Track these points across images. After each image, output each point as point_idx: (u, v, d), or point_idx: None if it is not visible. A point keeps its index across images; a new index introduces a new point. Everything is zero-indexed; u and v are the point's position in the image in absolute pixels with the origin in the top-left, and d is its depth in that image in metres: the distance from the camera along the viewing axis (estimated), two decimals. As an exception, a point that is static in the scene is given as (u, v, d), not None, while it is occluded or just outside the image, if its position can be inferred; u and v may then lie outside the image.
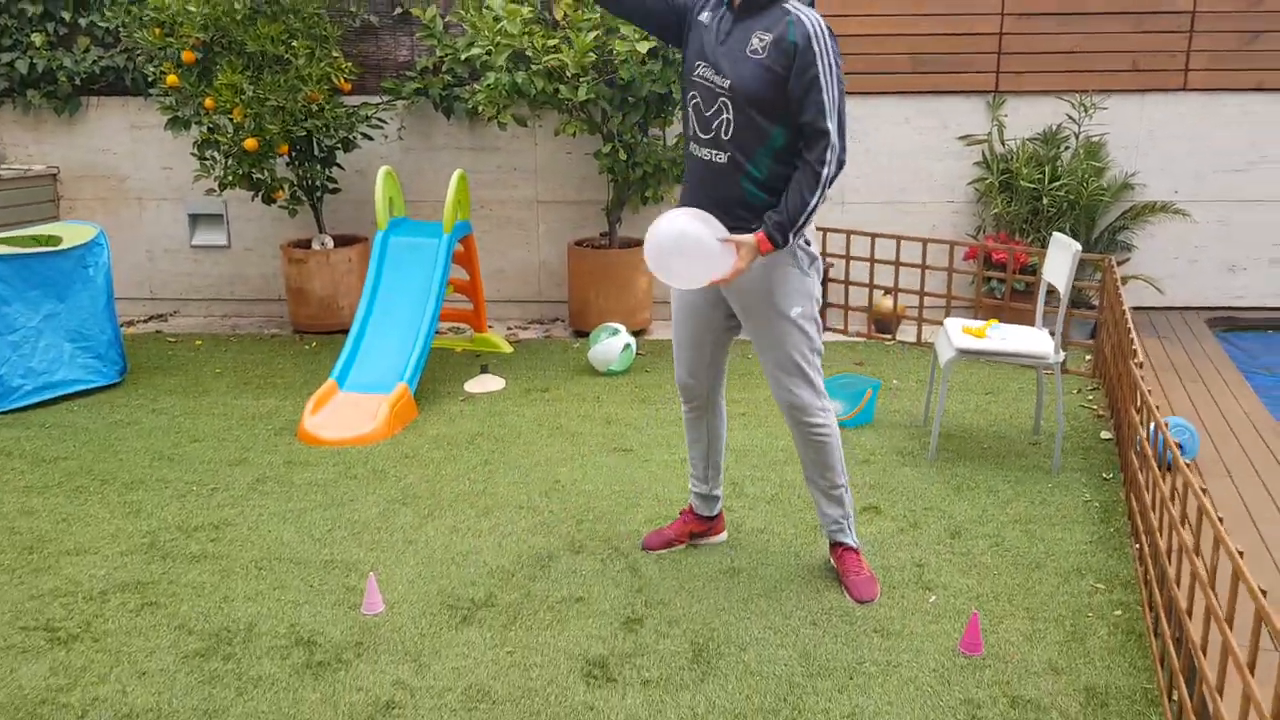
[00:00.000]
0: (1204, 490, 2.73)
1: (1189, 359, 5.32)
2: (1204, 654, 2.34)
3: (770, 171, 2.87)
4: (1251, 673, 2.01)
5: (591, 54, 4.92)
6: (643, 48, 5.00)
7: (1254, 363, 5.55)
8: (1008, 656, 2.85)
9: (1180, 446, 3.81)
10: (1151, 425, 3.14)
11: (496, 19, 4.95)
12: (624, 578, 3.27)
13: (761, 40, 2.79)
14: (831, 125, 2.78)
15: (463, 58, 5.15)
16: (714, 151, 2.89)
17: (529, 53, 5.02)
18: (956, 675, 2.77)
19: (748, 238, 2.83)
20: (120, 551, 3.45)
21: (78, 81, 6.33)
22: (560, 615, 3.05)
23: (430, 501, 3.84)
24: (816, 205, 2.82)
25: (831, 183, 2.84)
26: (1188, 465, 2.84)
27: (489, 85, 5.09)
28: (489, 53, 5.03)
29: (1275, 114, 5.94)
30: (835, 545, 3.27)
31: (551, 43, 5.04)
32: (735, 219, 2.89)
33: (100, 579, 3.27)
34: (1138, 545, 3.39)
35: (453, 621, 3.02)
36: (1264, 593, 1.94)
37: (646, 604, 3.11)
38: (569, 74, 5.00)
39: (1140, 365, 3.48)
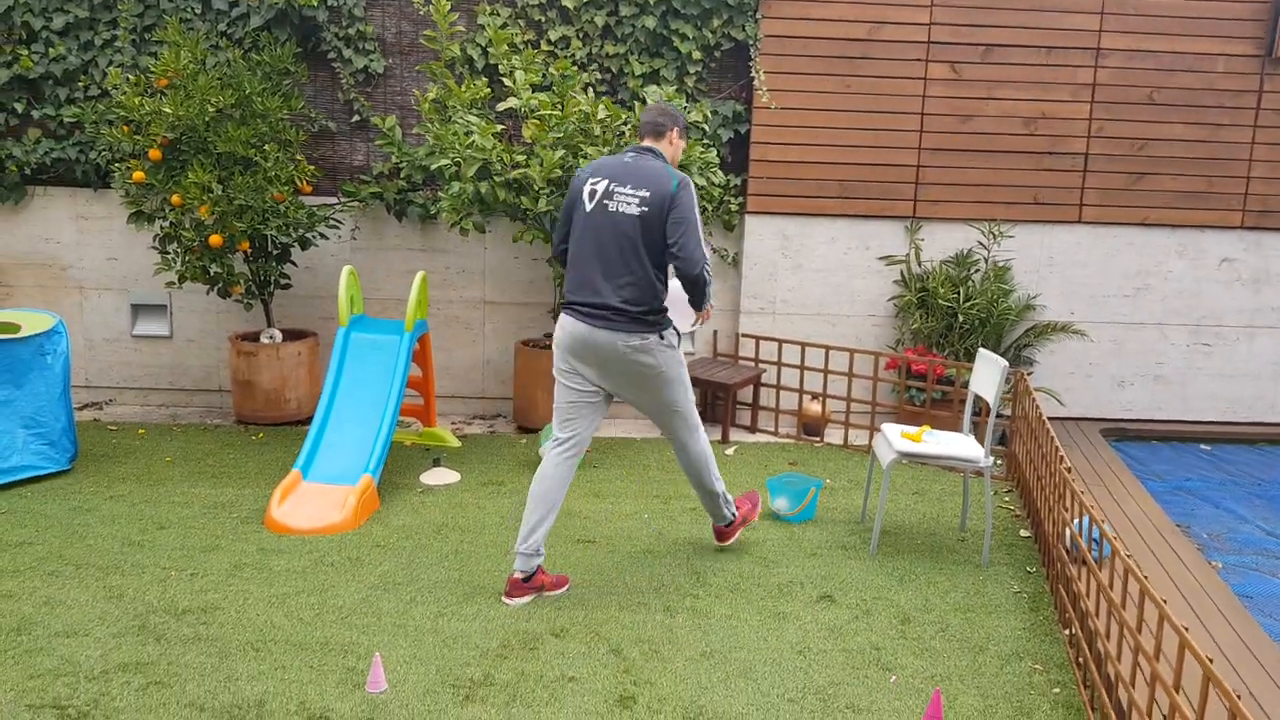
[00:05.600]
0: (1145, 576, 3.09)
1: (1090, 465, 5.83)
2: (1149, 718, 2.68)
3: None
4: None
5: (557, 170, 5.28)
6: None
7: (1145, 469, 6.10)
8: (968, 729, 3.15)
9: (1096, 541, 4.23)
10: (1085, 519, 3.53)
11: (468, 133, 5.27)
12: (609, 659, 3.47)
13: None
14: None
15: (432, 167, 5.43)
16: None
17: (496, 166, 5.35)
18: (926, 745, 3.05)
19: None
20: (112, 633, 3.50)
21: (27, 172, 6.38)
22: (556, 694, 3.24)
23: (411, 588, 3.98)
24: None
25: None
26: (1127, 557, 3.22)
27: (453, 194, 5.38)
28: (458, 164, 5.34)
29: (1158, 246, 6.65)
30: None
31: (520, 157, 5.39)
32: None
33: (98, 659, 3.32)
34: (1068, 631, 3.75)
35: (456, 699, 3.17)
36: (1210, 660, 2.28)
37: (634, 683, 3.32)
38: (535, 187, 5.33)
39: (1070, 470, 3.90)
